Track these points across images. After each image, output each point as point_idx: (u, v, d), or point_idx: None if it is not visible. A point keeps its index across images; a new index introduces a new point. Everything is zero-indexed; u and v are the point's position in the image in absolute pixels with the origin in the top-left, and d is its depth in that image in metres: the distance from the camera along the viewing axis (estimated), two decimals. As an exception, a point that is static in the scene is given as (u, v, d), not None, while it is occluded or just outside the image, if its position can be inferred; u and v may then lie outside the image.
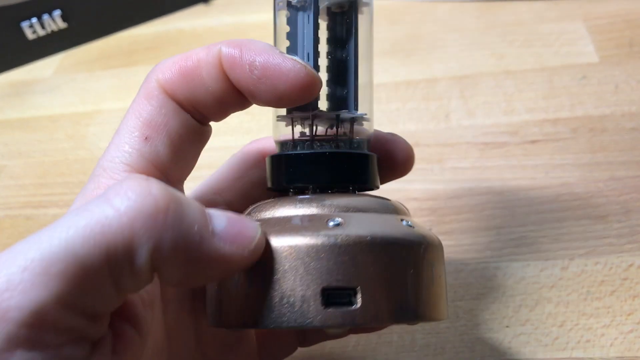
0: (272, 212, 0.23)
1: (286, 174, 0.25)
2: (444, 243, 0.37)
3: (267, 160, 0.26)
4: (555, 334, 0.32)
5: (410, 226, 0.23)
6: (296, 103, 0.23)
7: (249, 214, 0.24)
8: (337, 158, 0.24)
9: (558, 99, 0.45)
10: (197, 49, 0.23)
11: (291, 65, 0.22)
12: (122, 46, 0.61)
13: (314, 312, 0.20)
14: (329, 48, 0.26)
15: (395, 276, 0.21)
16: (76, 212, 0.18)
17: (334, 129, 0.25)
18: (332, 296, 0.20)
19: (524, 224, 0.37)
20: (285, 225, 0.22)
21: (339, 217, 0.22)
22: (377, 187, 0.26)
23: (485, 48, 0.51)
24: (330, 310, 0.20)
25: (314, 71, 0.22)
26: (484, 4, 0.56)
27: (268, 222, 0.22)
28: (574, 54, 0.49)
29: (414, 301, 0.21)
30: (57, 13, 0.59)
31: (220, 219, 0.20)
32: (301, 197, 0.23)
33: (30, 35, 0.59)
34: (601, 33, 0.50)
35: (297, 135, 0.26)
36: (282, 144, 0.26)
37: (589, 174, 0.39)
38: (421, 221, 0.38)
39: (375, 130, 0.28)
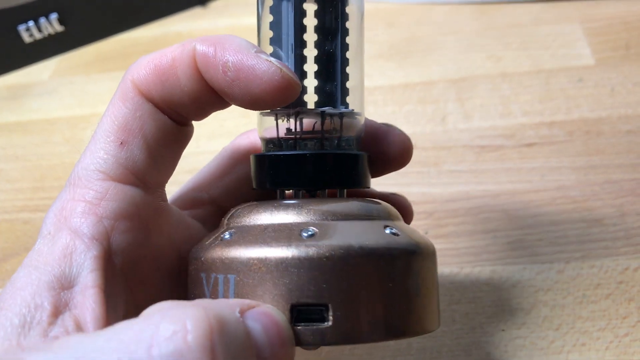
0: (248, 218, 0.22)
1: (269, 175, 0.24)
2: (440, 246, 0.37)
3: (251, 160, 0.25)
4: (551, 337, 0.32)
5: (395, 234, 0.21)
6: (272, 106, 0.22)
7: (229, 219, 0.23)
8: (321, 159, 0.23)
9: (554, 102, 0.45)
10: (173, 45, 0.22)
11: (265, 68, 0.21)
12: (119, 49, 0.61)
13: None
14: (316, 38, 0.25)
15: (372, 291, 0.20)
16: None
17: (316, 130, 0.24)
18: (303, 312, 0.19)
19: (520, 227, 0.37)
20: (257, 236, 0.21)
21: (314, 226, 0.21)
22: (367, 187, 0.25)
23: (482, 51, 0.51)
24: (300, 328, 0.19)
25: (290, 74, 0.21)
26: (480, 7, 0.56)
27: (242, 229, 0.22)
28: (570, 56, 0.49)
29: (394, 316, 0.20)
30: (54, 16, 0.59)
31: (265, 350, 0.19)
32: (278, 203, 0.22)
33: (27, 38, 0.59)
34: (598, 36, 0.50)
35: (283, 131, 0.24)
36: (267, 141, 0.25)
37: (585, 177, 0.39)
38: (417, 225, 0.38)
39: (370, 120, 0.27)
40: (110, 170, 0.22)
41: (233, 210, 0.24)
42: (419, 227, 0.37)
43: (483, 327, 0.33)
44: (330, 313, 0.19)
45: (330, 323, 0.19)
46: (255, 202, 0.23)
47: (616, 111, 0.43)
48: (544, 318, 0.33)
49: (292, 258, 0.19)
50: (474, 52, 0.51)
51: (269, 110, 0.24)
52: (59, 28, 0.59)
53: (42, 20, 0.58)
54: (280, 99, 0.21)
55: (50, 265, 0.20)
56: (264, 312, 0.19)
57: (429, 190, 0.40)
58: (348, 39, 0.25)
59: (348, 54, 0.25)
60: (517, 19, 0.54)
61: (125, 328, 0.17)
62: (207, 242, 0.22)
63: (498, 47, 0.51)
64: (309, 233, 0.20)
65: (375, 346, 0.33)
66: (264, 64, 0.21)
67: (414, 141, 0.44)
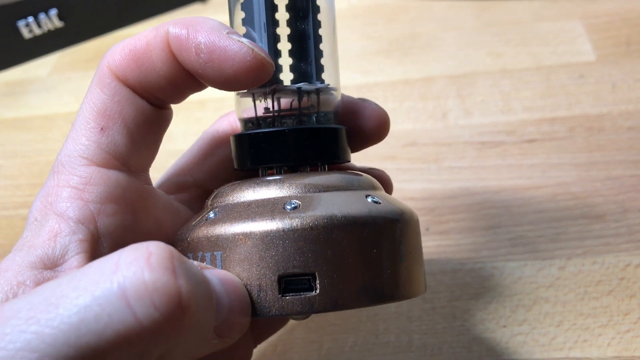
0: (232, 197, 0.22)
1: (249, 154, 0.24)
2: (441, 243, 0.37)
3: (231, 140, 0.25)
4: (553, 334, 0.32)
5: (377, 202, 0.22)
6: (246, 87, 0.22)
7: (213, 199, 0.23)
8: (300, 134, 0.23)
9: (555, 98, 0.45)
10: (147, 30, 0.22)
11: (237, 49, 0.21)
12: (119, 45, 0.60)
13: (272, 301, 0.20)
14: (288, 17, 0.25)
15: (356, 258, 0.20)
16: (86, 297, 0.16)
17: (294, 107, 0.24)
18: (290, 283, 0.20)
19: (521, 223, 0.37)
20: (241, 212, 0.21)
21: (296, 199, 0.21)
22: (348, 161, 0.25)
23: (483, 47, 0.51)
24: (288, 297, 0.20)
25: (262, 54, 0.21)
26: (481, 3, 0.56)
27: (226, 208, 0.22)
28: (571, 52, 0.48)
29: (380, 281, 0.21)
30: (53, 12, 0.58)
31: (223, 304, 0.19)
32: (260, 180, 0.23)
33: (26, 34, 0.58)
34: (599, 32, 0.50)
35: (261, 111, 0.25)
36: (246, 121, 0.25)
37: (586, 174, 0.39)
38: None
39: (346, 96, 0.27)
40: (93, 155, 0.22)
41: (216, 191, 0.24)
42: (420, 223, 0.37)
43: (484, 324, 0.33)
44: (318, 281, 0.20)
45: (317, 291, 0.20)
46: (237, 182, 0.23)
47: (617, 107, 0.43)
48: (545, 314, 0.33)
49: (277, 230, 0.20)
50: (475, 48, 0.51)
51: (245, 91, 0.25)
52: (58, 24, 0.59)
53: (42, 16, 0.58)
54: (253, 79, 0.21)
55: (34, 248, 0.20)
56: (223, 273, 0.20)
57: (430, 187, 0.40)
58: (320, 16, 0.25)
59: (321, 31, 0.25)
60: (518, 16, 0.54)
61: (89, 265, 0.17)
62: (192, 224, 0.22)
63: (499, 43, 0.51)
64: (293, 206, 0.21)
65: (376, 342, 0.33)
66: (235, 45, 0.21)
67: (414, 138, 0.44)
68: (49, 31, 0.59)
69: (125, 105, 0.22)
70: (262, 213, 0.20)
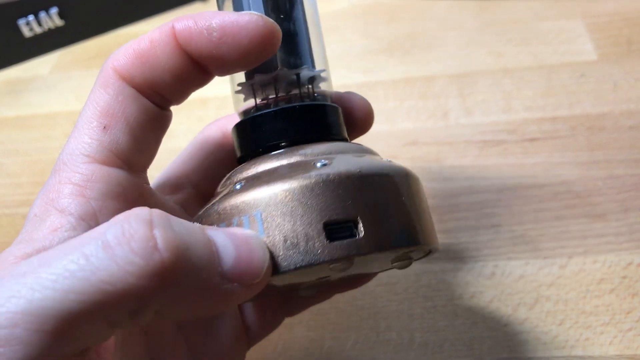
0: (255, 168, 0.23)
1: (258, 133, 0.24)
2: (442, 241, 0.37)
3: (234, 130, 0.25)
4: (555, 333, 0.32)
5: (390, 161, 0.23)
6: (261, 57, 0.22)
7: (227, 180, 0.24)
8: (309, 110, 0.24)
9: (556, 97, 0.45)
10: (149, 31, 0.22)
11: (248, 18, 0.21)
12: (120, 44, 0.60)
13: (321, 248, 0.20)
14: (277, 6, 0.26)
15: (390, 204, 0.21)
16: (74, 255, 0.17)
17: (296, 88, 0.25)
18: (334, 231, 0.20)
19: (522, 222, 0.37)
20: (273, 175, 0.21)
21: (323, 159, 0.22)
22: (347, 140, 0.26)
23: (484, 46, 0.51)
24: (336, 243, 0.20)
25: (270, 20, 0.22)
26: (482, 2, 0.56)
27: (251, 178, 0.22)
28: (572, 52, 0.49)
29: (412, 226, 0.22)
30: (54, 10, 0.58)
31: (229, 253, 0.19)
32: (278, 151, 0.23)
33: (27, 32, 0.58)
34: (600, 31, 0.50)
35: (260, 101, 0.26)
36: (246, 112, 0.26)
37: (588, 172, 0.39)
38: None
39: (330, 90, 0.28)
40: (95, 153, 0.22)
41: (229, 174, 0.24)
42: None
43: (485, 322, 0.33)
44: (360, 226, 0.20)
45: (362, 234, 0.20)
46: (249, 161, 0.24)
47: (618, 106, 0.43)
48: (547, 313, 0.33)
49: (316, 182, 0.20)
50: (476, 47, 0.51)
51: (245, 81, 0.25)
52: (59, 22, 0.59)
53: (42, 14, 0.58)
54: (268, 44, 0.22)
55: (33, 241, 0.20)
56: (232, 229, 0.20)
57: (431, 186, 0.40)
58: (306, 6, 0.26)
59: (309, 22, 0.26)
60: (519, 15, 0.54)
61: (79, 235, 0.18)
62: (215, 200, 0.22)
63: (499, 43, 0.51)
64: (323, 163, 0.21)
65: (378, 340, 0.33)
66: (245, 16, 0.21)
67: (415, 137, 0.44)
68: (50, 30, 0.59)
69: (129, 105, 0.22)
70: (296, 171, 0.21)
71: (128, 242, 0.17)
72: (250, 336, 0.29)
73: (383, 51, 0.53)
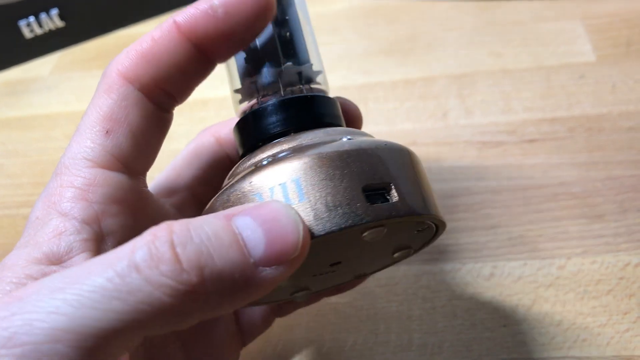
0: (280, 146, 0.23)
1: (267, 123, 0.25)
2: (441, 242, 0.37)
3: (236, 127, 0.26)
4: (552, 333, 0.32)
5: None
6: (263, 26, 0.22)
7: (240, 165, 0.24)
8: (318, 100, 0.25)
9: (555, 98, 0.45)
10: (150, 31, 0.23)
11: None
12: (120, 45, 0.60)
13: (363, 210, 0.20)
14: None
15: (413, 174, 0.22)
16: (108, 273, 0.17)
17: (295, 86, 0.26)
18: (371, 196, 0.21)
19: (521, 223, 0.37)
20: (303, 148, 0.22)
21: (347, 136, 0.23)
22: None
23: (483, 47, 0.51)
24: (375, 206, 0.21)
25: None
26: (481, 3, 0.56)
27: (275, 155, 0.22)
28: (571, 53, 0.49)
29: (431, 197, 0.23)
30: (54, 12, 0.58)
31: (258, 241, 0.19)
32: (300, 132, 0.24)
33: (27, 34, 0.59)
34: (599, 32, 0.50)
35: (261, 97, 0.26)
36: (246, 110, 0.26)
37: (586, 173, 0.39)
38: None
39: None
40: (98, 157, 0.22)
41: (238, 163, 0.24)
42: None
43: (484, 323, 0.33)
44: (393, 192, 0.21)
45: (397, 198, 0.21)
46: (267, 144, 0.24)
47: (617, 108, 0.43)
48: (545, 314, 0.33)
49: (350, 150, 0.21)
50: (475, 48, 0.51)
51: (249, 76, 0.26)
52: (59, 23, 0.59)
53: (43, 15, 0.58)
54: (268, 13, 0.22)
55: (39, 245, 0.20)
56: (258, 206, 0.19)
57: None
58: (298, 6, 0.27)
59: (302, 20, 0.27)
60: (519, 16, 0.54)
61: (106, 253, 0.18)
62: (241, 176, 0.22)
63: (499, 43, 0.51)
64: (348, 138, 0.22)
65: (376, 341, 0.33)
66: None
67: (415, 137, 0.44)
68: (50, 31, 0.59)
69: (132, 109, 0.22)
70: (326, 144, 0.22)
71: (157, 265, 0.17)
72: (244, 336, 0.30)
73: (383, 52, 0.53)
